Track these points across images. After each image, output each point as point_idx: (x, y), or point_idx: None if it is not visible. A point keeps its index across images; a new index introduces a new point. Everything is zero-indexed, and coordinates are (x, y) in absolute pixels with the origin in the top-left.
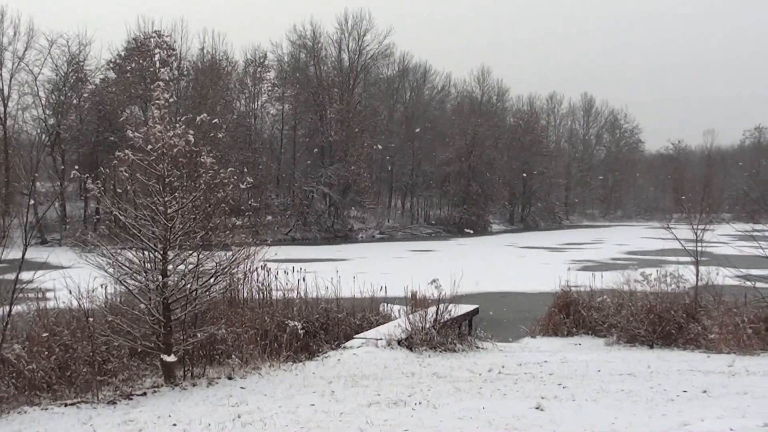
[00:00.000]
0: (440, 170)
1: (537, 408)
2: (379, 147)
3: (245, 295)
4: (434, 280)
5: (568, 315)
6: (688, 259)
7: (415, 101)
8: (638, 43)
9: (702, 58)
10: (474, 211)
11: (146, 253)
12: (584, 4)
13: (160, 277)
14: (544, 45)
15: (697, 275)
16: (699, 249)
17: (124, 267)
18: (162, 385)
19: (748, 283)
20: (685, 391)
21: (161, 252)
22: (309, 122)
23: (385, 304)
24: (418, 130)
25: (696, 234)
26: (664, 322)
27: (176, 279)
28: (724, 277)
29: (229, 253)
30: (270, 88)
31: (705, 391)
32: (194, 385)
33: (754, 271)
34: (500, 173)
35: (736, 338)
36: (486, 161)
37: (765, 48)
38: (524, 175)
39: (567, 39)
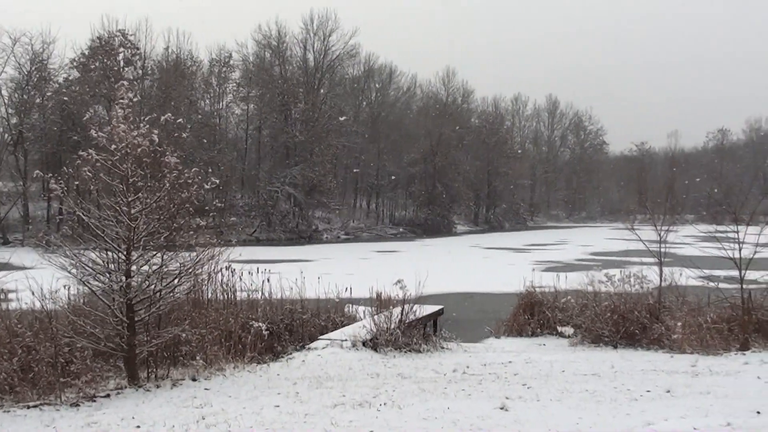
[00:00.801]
0: (405, 171)
1: (502, 408)
2: (345, 144)
3: (209, 296)
4: (399, 281)
5: (533, 315)
6: (651, 259)
7: (381, 102)
8: (602, 47)
9: (665, 61)
10: (439, 212)
11: (110, 253)
12: (549, 8)
13: (123, 277)
14: (510, 47)
15: (660, 276)
16: (663, 250)
17: (87, 268)
18: (126, 387)
19: (711, 284)
20: (648, 391)
21: (125, 253)
22: (274, 122)
23: (350, 305)
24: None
25: (660, 235)
26: (627, 323)
27: (140, 280)
28: (687, 277)
29: (194, 254)
30: (235, 88)
31: (668, 391)
32: (158, 386)
33: (717, 272)
34: (465, 174)
35: (699, 338)
36: (451, 162)
37: (727, 52)
38: (489, 176)
39: (531, 42)
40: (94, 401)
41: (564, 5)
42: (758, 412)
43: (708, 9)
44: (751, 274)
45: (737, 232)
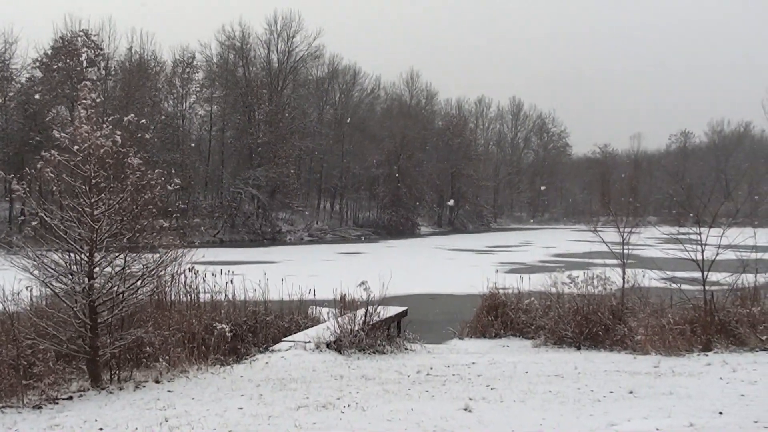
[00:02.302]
0: (369, 172)
1: (465, 409)
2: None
3: (173, 297)
4: (363, 283)
5: (496, 317)
6: (614, 261)
7: (345, 103)
8: (565, 51)
9: (628, 65)
10: (403, 213)
11: (72, 255)
12: (512, 13)
13: (86, 279)
14: (473, 49)
15: (623, 277)
16: (625, 252)
17: (49, 269)
18: (88, 389)
19: (674, 285)
20: (611, 392)
21: (87, 254)
22: (237, 123)
23: (314, 307)
24: (349, 121)
25: (622, 237)
26: (591, 324)
27: (103, 281)
28: (650, 279)
29: (157, 256)
30: (198, 89)
31: (631, 392)
32: (121, 388)
33: (679, 274)
34: (429, 176)
35: (661, 339)
36: (415, 164)
37: (689, 57)
38: (453, 177)
39: (495, 44)
40: (57, 404)
41: (527, 10)
42: (720, 413)
43: (670, 16)
44: (713, 276)
45: (700, 233)
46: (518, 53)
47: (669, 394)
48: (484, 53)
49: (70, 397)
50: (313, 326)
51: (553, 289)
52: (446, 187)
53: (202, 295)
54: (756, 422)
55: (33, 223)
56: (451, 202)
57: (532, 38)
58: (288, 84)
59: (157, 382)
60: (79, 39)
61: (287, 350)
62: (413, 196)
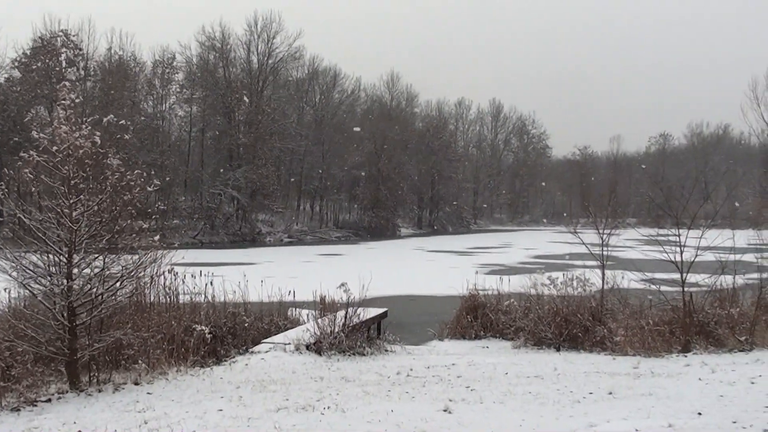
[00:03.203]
0: (350, 174)
1: (445, 410)
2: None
3: (152, 299)
4: (343, 284)
5: (476, 318)
6: (594, 263)
7: (325, 104)
8: (547, 53)
9: (608, 68)
10: (383, 215)
11: (51, 256)
12: (492, 15)
13: (65, 280)
14: (454, 51)
15: (603, 279)
16: (605, 253)
17: (28, 270)
18: (67, 391)
19: (653, 287)
20: (591, 393)
21: (66, 255)
22: (217, 124)
23: (294, 309)
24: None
25: (602, 238)
26: (570, 325)
27: (82, 283)
28: (629, 280)
29: (136, 257)
30: (178, 90)
31: (611, 393)
32: (100, 391)
33: (658, 275)
34: (409, 178)
35: (641, 340)
36: (395, 166)
37: (668, 59)
38: (433, 179)
39: (475, 46)
40: (35, 406)
41: (506, 12)
42: (699, 413)
43: (648, 17)
44: (692, 277)
45: (679, 235)
46: (499, 56)
47: (648, 394)
48: (465, 55)
49: (49, 400)
50: (292, 328)
51: (533, 291)
52: (426, 188)
53: (181, 297)
54: (734, 423)
55: (11, 225)
56: None
57: (514, 41)
58: (268, 85)
59: (136, 384)
60: (59, 39)
61: (267, 352)
62: (393, 198)
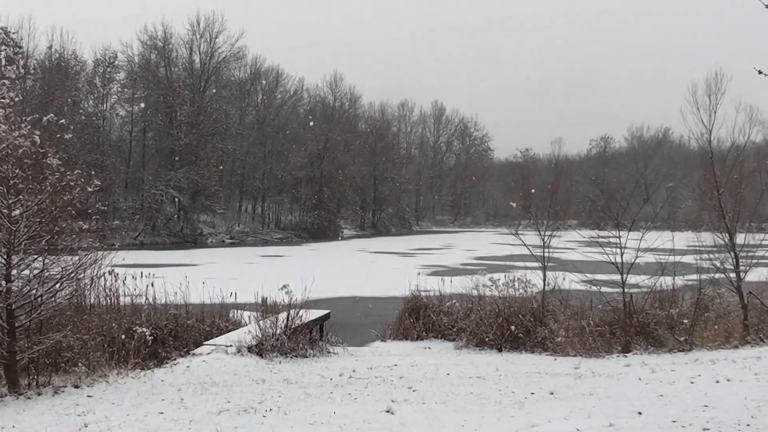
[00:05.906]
0: (292, 175)
1: (387, 411)
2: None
3: (92, 301)
4: (285, 286)
5: (418, 319)
6: (535, 264)
7: (267, 105)
8: (490, 55)
9: (552, 71)
10: (325, 216)
11: None
12: (436, 13)
13: (3, 282)
14: (396, 53)
15: (544, 280)
16: (546, 255)
17: None
18: (6, 395)
19: (594, 288)
20: (533, 393)
21: (5, 256)
22: (159, 124)
23: (236, 311)
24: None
25: (543, 240)
26: (512, 326)
27: (21, 284)
28: (570, 282)
29: (76, 258)
30: (120, 89)
31: (552, 393)
32: (39, 394)
33: (599, 276)
34: (352, 179)
35: (582, 341)
36: (338, 167)
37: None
38: (375, 181)
39: (418, 48)
40: None
41: (450, 14)
42: (639, 413)
43: (590, 21)
44: (632, 278)
45: (619, 237)
46: (442, 58)
47: (589, 394)
48: (408, 57)
49: None
50: (234, 330)
51: (475, 292)
52: (369, 190)
53: (122, 299)
54: (674, 422)
55: None
56: None
57: (457, 43)
58: (210, 85)
59: (76, 387)
60: None
61: (208, 354)
62: (336, 199)
